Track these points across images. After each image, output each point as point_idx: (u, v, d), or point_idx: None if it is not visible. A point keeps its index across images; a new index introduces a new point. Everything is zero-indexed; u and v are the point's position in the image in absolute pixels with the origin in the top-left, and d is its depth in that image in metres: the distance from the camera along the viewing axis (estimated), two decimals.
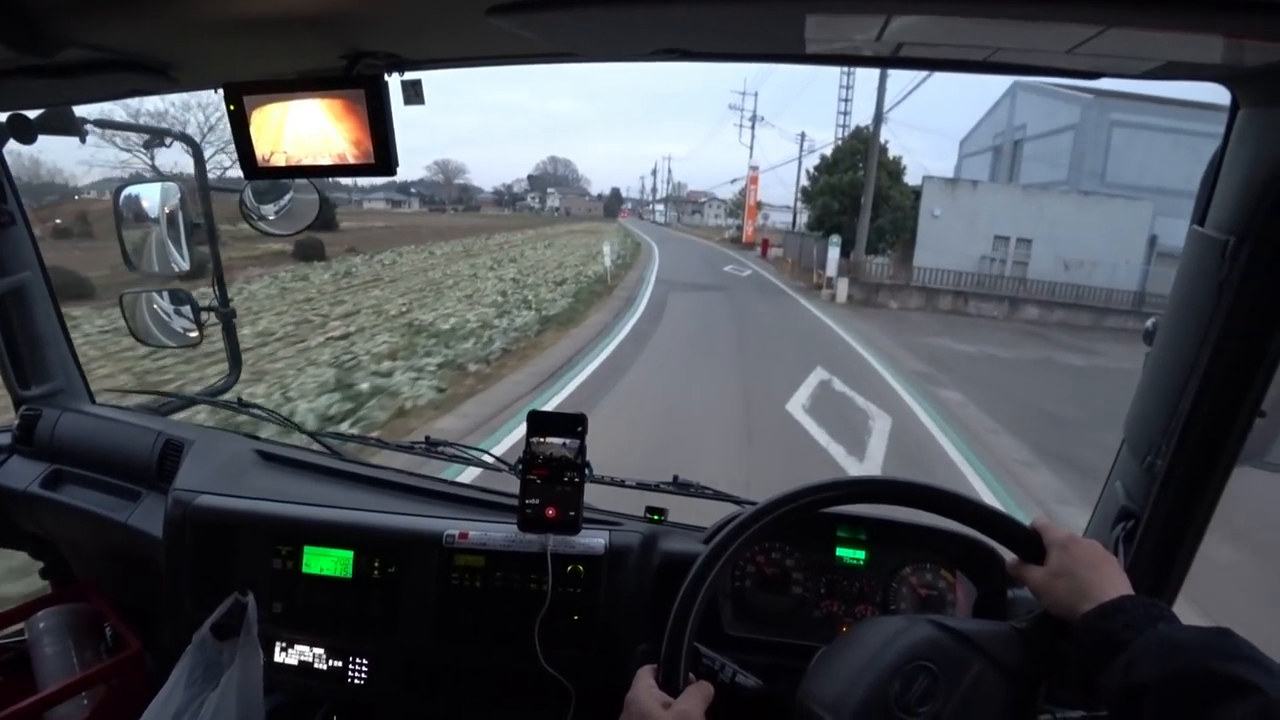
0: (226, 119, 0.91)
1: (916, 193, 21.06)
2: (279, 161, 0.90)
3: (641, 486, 1.25)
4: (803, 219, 30.18)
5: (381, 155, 0.86)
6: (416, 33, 0.85)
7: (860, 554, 1.11)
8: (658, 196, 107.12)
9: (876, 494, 0.84)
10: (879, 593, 1.09)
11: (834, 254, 17.16)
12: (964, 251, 18.55)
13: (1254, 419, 0.86)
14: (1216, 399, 0.84)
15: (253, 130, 0.89)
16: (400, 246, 24.58)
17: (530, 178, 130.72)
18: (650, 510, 1.19)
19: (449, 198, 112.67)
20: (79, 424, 1.47)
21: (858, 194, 19.60)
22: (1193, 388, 0.85)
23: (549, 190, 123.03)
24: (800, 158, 35.68)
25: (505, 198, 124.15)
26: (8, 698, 1.27)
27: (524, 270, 18.13)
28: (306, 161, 0.89)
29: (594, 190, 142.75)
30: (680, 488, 1.24)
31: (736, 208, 49.91)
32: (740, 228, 42.60)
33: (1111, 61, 0.72)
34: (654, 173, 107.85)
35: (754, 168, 39.84)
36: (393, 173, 0.88)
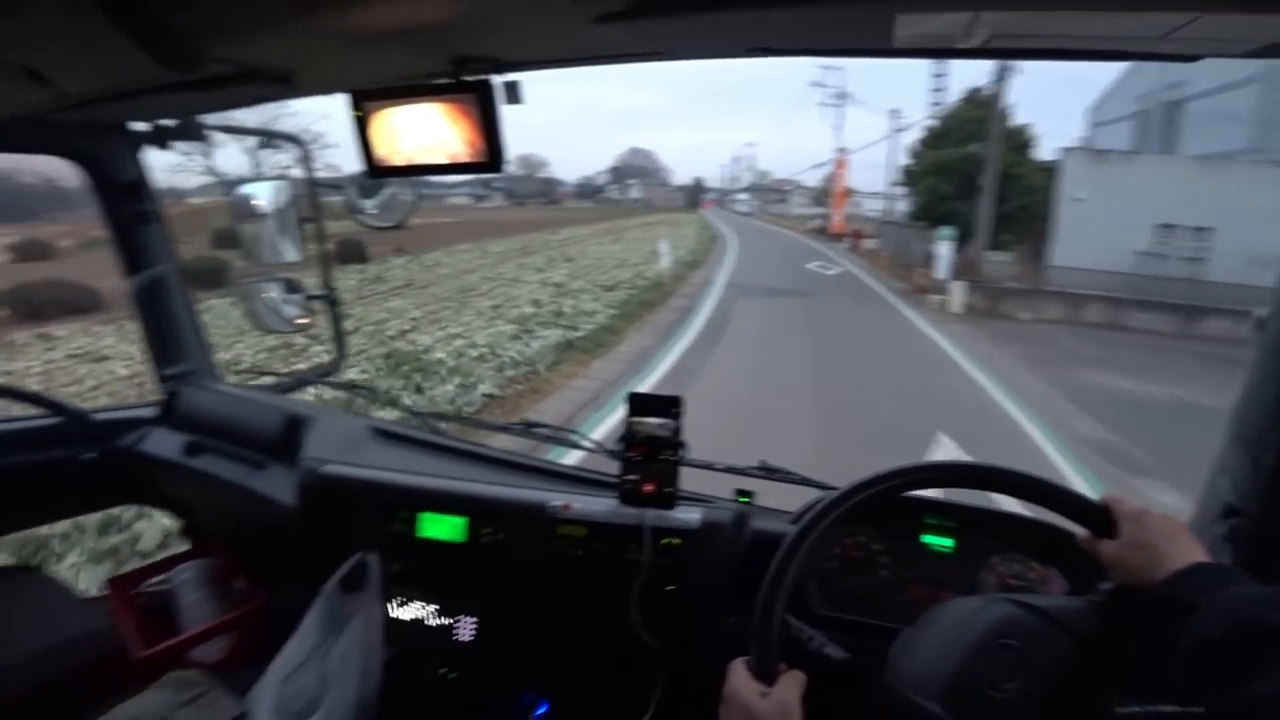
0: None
1: (1048, 170, 16.03)
2: (396, 161, 0.98)
3: (730, 470, 1.29)
4: (900, 206, 25.70)
5: (493, 153, 0.93)
6: (520, 38, 0.91)
7: (948, 541, 1.11)
8: (739, 185, 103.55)
9: (951, 479, 0.85)
10: (965, 581, 1.09)
11: (945, 250, 13.85)
12: (1115, 245, 14.07)
13: None
14: None
15: (371, 133, 0.98)
16: (457, 245, 22.26)
17: (612, 169, 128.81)
18: (739, 493, 1.23)
19: (531, 191, 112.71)
20: (212, 400, 1.64)
21: (974, 172, 15.42)
22: None
23: (630, 182, 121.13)
24: (893, 135, 29.83)
25: (587, 190, 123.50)
26: (157, 634, 1.46)
27: (575, 272, 15.86)
28: (421, 161, 0.97)
29: (675, 180, 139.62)
30: (768, 472, 1.27)
31: (823, 195, 45.30)
32: (826, 216, 37.37)
33: (1211, 44, 0.70)
34: (735, 160, 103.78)
35: (841, 150, 35.57)
36: (500, 169, 0.95)
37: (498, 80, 0.96)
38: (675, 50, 0.91)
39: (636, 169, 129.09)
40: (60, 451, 1.57)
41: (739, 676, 0.76)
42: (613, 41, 0.86)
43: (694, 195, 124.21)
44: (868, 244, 25.43)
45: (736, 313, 10.97)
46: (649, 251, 19.37)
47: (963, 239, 14.45)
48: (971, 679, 0.71)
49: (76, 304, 10.48)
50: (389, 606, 1.22)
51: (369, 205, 1.83)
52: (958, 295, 12.86)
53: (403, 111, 0.95)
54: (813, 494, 1.15)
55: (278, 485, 1.40)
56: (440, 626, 1.22)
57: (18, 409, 1.58)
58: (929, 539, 1.12)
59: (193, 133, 1.55)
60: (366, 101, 0.97)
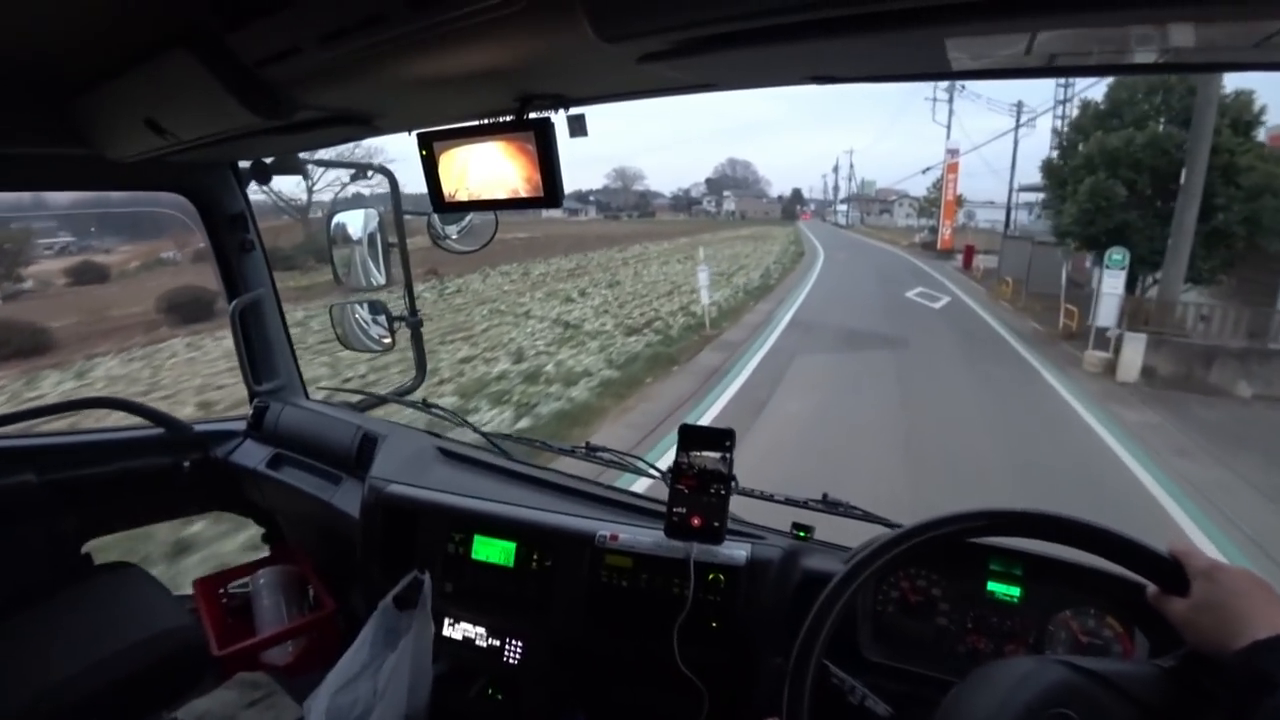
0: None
1: None
2: (462, 197, 1.03)
3: (790, 502, 1.25)
4: (1026, 217, 22.67)
5: (549, 188, 0.96)
6: (578, 76, 0.94)
7: (1015, 590, 1.03)
8: (840, 195, 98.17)
9: (1008, 526, 0.80)
10: (1033, 633, 1.01)
11: (1114, 284, 9.30)
12: None
13: None
14: None
15: (441, 170, 1.03)
16: (503, 265, 20.29)
17: (708, 181, 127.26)
18: (797, 526, 1.19)
19: (626, 204, 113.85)
20: (296, 416, 1.75)
21: (1164, 165, 10.43)
22: None
23: (725, 193, 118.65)
24: (1019, 131, 25.68)
25: (681, 203, 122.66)
26: (235, 634, 1.55)
27: (612, 300, 13.67)
28: (485, 196, 1.01)
29: (774, 191, 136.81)
30: (829, 506, 1.22)
31: (930, 205, 38.23)
32: (935, 229, 32.89)
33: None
34: (835, 169, 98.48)
35: (952, 151, 30.78)
36: (559, 204, 0.98)
37: (558, 117, 0.99)
38: (730, 81, 0.91)
39: (733, 180, 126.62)
40: (162, 459, 1.71)
41: None
42: (665, 77, 0.88)
43: (791, 207, 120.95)
44: (983, 262, 21.08)
45: (791, 377, 7.60)
46: (718, 273, 17.26)
47: (1136, 265, 10.23)
48: None
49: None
50: (443, 625, 1.25)
51: (452, 231, 1.92)
52: (1133, 354, 8.46)
53: (466, 150, 1.00)
54: (876, 530, 1.10)
55: (350, 499, 1.48)
56: (490, 648, 1.24)
57: (125, 419, 1.74)
58: (994, 586, 1.04)
59: (292, 167, 1.69)
60: (434, 141, 1.02)
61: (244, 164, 1.69)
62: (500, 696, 1.25)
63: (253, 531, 1.99)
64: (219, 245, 1.76)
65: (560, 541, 1.20)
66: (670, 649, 1.07)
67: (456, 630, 1.26)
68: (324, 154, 1.83)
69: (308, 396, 1.94)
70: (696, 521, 1.09)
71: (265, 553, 1.89)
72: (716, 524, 1.09)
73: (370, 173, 1.93)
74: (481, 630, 1.25)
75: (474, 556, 1.24)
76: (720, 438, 1.10)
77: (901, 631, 1.06)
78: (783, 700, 0.75)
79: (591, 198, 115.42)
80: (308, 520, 1.72)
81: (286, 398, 1.85)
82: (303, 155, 1.66)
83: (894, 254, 31.54)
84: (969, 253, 22.87)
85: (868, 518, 1.19)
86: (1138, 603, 0.98)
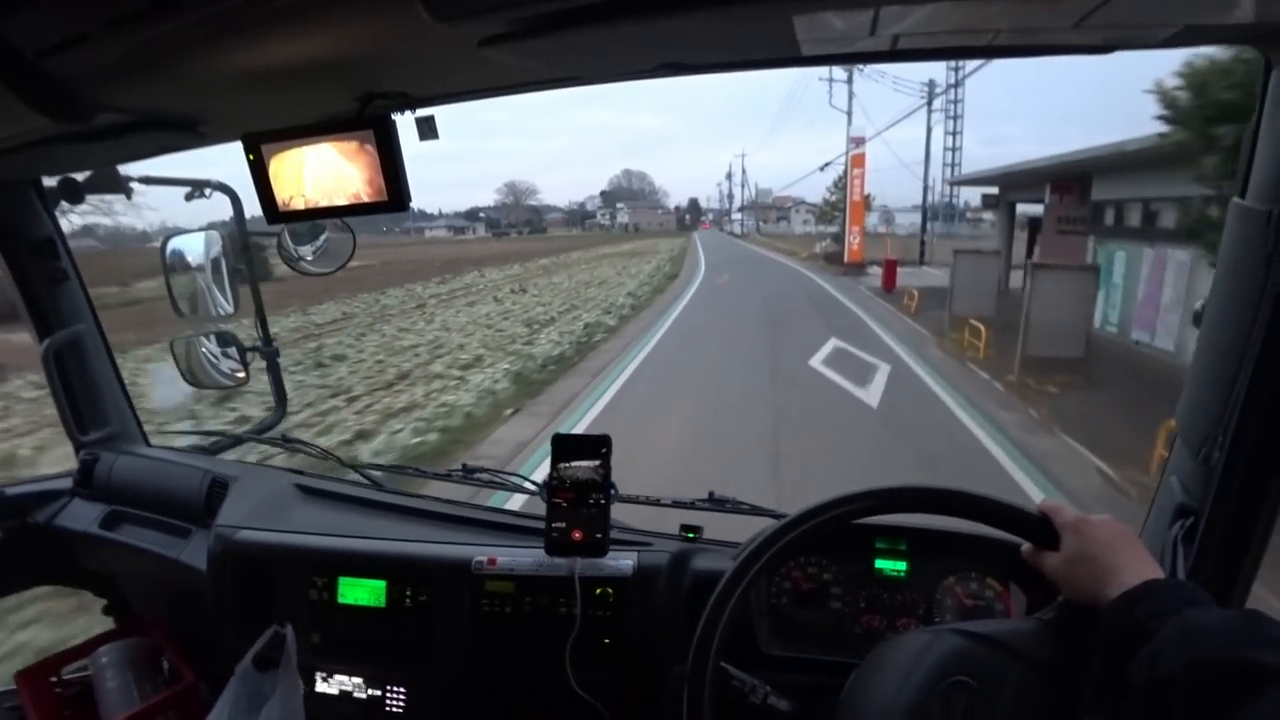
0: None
1: None
2: (298, 205, 0.93)
3: (676, 504, 1.24)
4: (966, 229, 19.45)
5: (394, 192, 0.88)
6: (421, 71, 0.87)
7: (901, 565, 1.07)
8: (735, 204, 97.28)
9: (882, 503, 0.82)
10: (922, 604, 1.06)
11: None
12: None
13: None
14: (1274, 382, 0.78)
15: (272, 176, 0.93)
16: (317, 303, 16.17)
17: (603, 194, 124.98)
18: (685, 528, 1.18)
19: (518, 220, 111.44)
20: (134, 466, 1.54)
21: None
22: (1247, 372, 0.79)
23: (618, 206, 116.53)
24: (929, 111, 24.23)
25: (576, 217, 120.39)
26: None
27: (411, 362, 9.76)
28: (324, 203, 0.92)
29: (673, 203, 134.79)
30: (715, 504, 1.22)
31: (833, 209, 32.66)
32: (840, 238, 26.69)
33: (1125, 32, 0.68)
34: (728, 176, 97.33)
35: (856, 140, 25.33)
36: (405, 208, 0.90)
37: (401, 117, 0.92)
38: (583, 73, 0.88)
39: (629, 192, 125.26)
40: None
41: None
42: (514, 68, 0.83)
43: (687, 217, 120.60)
44: (908, 280, 16.44)
45: None
46: (582, 297, 15.85)
47: None
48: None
49: None
50: (315, 680, 1.13)
51: (306, 252, 1.78)
52: None
53: (299, 153, 0.91)
54: (763, 523, 1.10)
55: (202, 554, 1.31)
56: (369, 699, 1.14)
57: None
58: (882, 564, 1.08)
59: (111, 185, 1.49)
60: (262, 144, 0.92)
61: (49, 181, 1.47)
62: None
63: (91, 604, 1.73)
64: (22, 277, 1.52)
65: (434, 573, 1.12)
66: (564, 673, 1.02)
67: (330, 684, 1.15)
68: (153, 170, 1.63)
69: (148, 443, 1.71)
70: (578, 535, 1.05)
71: (109, 626, 1.65)
72: (599, 536, 1.05)
73: (209, 190, 1.75)
74: (358, 680, 1.14)
75: (341, 601, 1.14)
76: (596, 445, 1.07)
77: (798, 621, 1.07)
78: (683, 709, 0.73)
79: (482, 214, 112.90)
80: (155, 583, 1.51)
81: (121, 446, 1.63)
82: (124, 171, 1.47)
83: (792, 270, 25.86)
84: (890, 269, 17.50)
85: (755, 511, 1.19)
86: (1011, 561, 1.04)
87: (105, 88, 0.84)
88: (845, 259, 24.78)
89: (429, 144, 0.95)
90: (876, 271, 20.76)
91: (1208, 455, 0.86)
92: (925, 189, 25.33)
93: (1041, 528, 0.76)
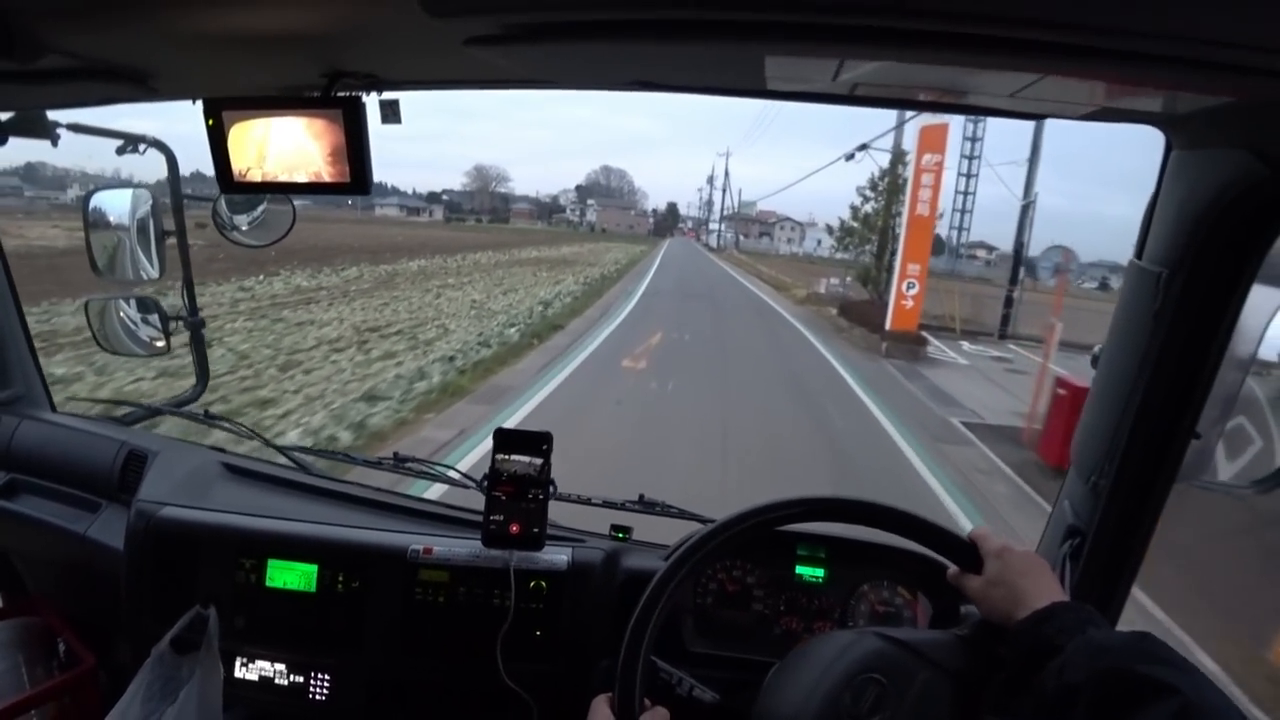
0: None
1: None
2: (255, 177, 0.91)
3: (608, 505, 1.27)
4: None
5: (357, 174, 0.88)
6: (396, 56, 0.87)
7: (819, 572, 1.13)
8: (714, 211, 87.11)
9: (824, 512, 0.87)
10: (837, 609, 1.12)
11: None
12: None
13: (1189, 440, 0.91)
14: (1155, 422, 0.89)
15: (230, 145, 0.90)
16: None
17: (578, 188, 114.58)
18: (615, 528, 1.21)
19: (481, 207, 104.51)
20: (39, 432, 1.45)
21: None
22: (1132, 411, 0.90)
23: (588, 202, 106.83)
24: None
25: (542, 210, 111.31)
26: None
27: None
28: (283, 178, 0.90)
29: (652, 205, 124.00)
30: (646, 506, 1.26)
31: (865, 231, 16.91)
32: (869, 275, 16.63)
33: (1051, 105, 0.77)
34: (709, 180, 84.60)
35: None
36: (367, 191, 0.89)
37: (370, 98, 0.92)
38: (557, 79, 0.90)
39: (605, 189, 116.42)
40: None
41: (600, 715, 0.75)
42: (492, 66, 0.84)
43: (665, 222, 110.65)
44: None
45: None
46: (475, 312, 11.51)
47: None
48: (836, 713, 0.72)
49: None
50: (235, 666, 1.10)
51: (242, 222, 1.71)
52: None
53: (265, 124, 0.89)
54: (692, 526, 1.14)
55: (113, 530, 1.25)
56: (291, 685, 1.11)
57: None
58: (802, 570, 1.14)
59: (39, 129, 1.39)
60: (224, 110, 0.90)
61: None
62: None
63: None
64: None
65: (369, 559, 1.11)
66: (494, 664, 1.03)
67: (251, 670, 1.11)
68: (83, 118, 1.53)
69: (54, 409, 1.61)
70: (515, 529, 1.06)
71: None
72: (536, 530, 1.07)
73: (143, 146, 1.65)
74: (281, 667, 1.11)
75: (269, 584, 1.11)
76: (537, 441, 1.09)
77: (722, 621, 1.12)
78: (614, 703, 0.76)
79: (445, 197, 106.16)
80: (54, 560, 1.42)
81: (24, 410, 1.52)
82: (53, 116, 1.38)
83: (784, 328, 15.07)
84: (1064, 415, 5.52)
85: (683, 515, 1.24)
86: (922, 572, 1.12)
87: (56, 28, 0.80)
88: (890, 323, 12.80)
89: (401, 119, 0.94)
90: (944, 357, 12.31)
91: (1095, 483, 0.96)
92: (1025, 214, 14.82)
93: (969, 552, 0.82)
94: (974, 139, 22.01)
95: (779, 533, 1.09)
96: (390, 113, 0.96)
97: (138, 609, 1.14)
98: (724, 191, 76.48)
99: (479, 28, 0.66)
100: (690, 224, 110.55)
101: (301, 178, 0.90)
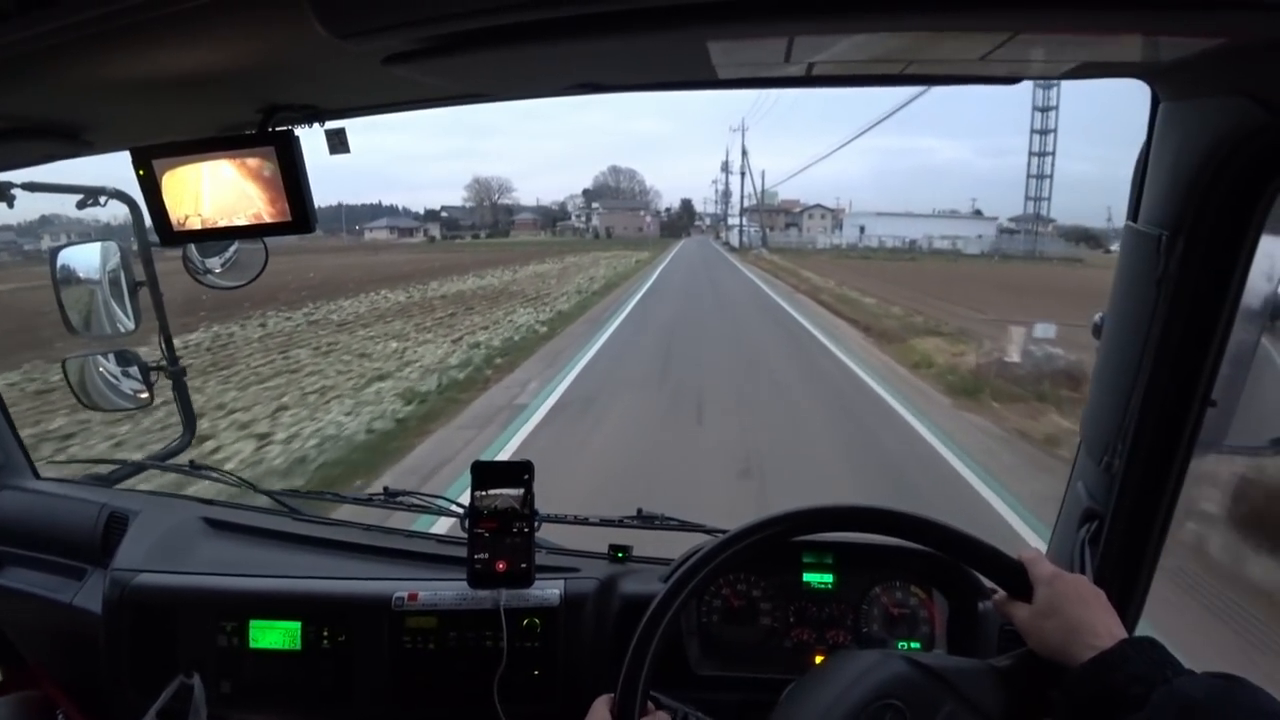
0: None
1: None
2: (194, 224, 0.87)
3: (604, 523, 1.22)
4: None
5: (298, 212, 0.84)
6: (326, 84, 0.83)
7: (828, 578, 1.09)
8: (735, 202, 74.15)
9: (850, 522, 0.83)
10: (850, 615, 1.07)
11: None
12: None
13: (1205, 409, 0.85)
14: (1166, 393, 0.83)
15: (165, 194, 0.86)
16: None
17: (585, 192, 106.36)
18: (614, 548, 1.17)
19: (482, 222, 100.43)
20: (19, 501, 1.41)
21: None
22: (1142, 384, 0.84)
23: (593, 206, 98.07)
24: None
25: (544, 219, 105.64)
26: None
27: None
28: (222, 223, 0.87)
29: (666, 204, 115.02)
30: (644, 521, 1.21)
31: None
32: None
33: (1027, 65, 0.71)
34: (725, 167, 72.48)
35: None
36: (311, 229, 0.86)
37: (311, 131, 0.88)
38: (492, 91, 0.86)
39: (614, 191, 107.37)
40: None
41: (599, 716, 0.72)
42: (424, 84, 0.80)
43: (678, 222, 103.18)
44: None
45: None
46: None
47: None
48: None
49: None
50: None
51: (214, 265, 1.68)
52: None
53: (194, 169, 0.85)
54: (695, 538, 1.09)
55: (99, 597, 1.21)
56: None
57: None
58: (809, 578, 1.09)
59: None
60: (153, 159, 0.86)
61: None
62: None
63: None
64: None
65: (353, 611, 1.07)
66: (493, 711, 0.99)
67: None
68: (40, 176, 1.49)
69: (36, 475, 1.57)
70: (502, 566, 1.02)
71: None
72: (524, 565, 1.03)
73: (104, 198, 1.62)
74: None
75: (253, 645, 1.07)
76: (518, 471, 1.04)
77: (728, 639, 1.08)
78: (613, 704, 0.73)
79: (444, 214, 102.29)
80: (45, 631, 1.39)
81: (4, 480, 1.49)
82: (5, 177, 1.34)
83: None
84: None
85: (684, 527, 1.19)
86: (934, 570, 1.07)
87: None
88: None
89: (412, 143, 0.91)
90: None
91: (1109, 463, 0.91)
92: None
93: (1018, 576, 0.77)
94: (1044, 109, 21.20)
95: (784, 543, 1.05)
96: (337, 142, 0.93)
97: (119, 679, 1.10)
98: (743, 175, 59.84)
99: (393, 45, 0.62)
100: (708, 221, 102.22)
101: (241, 220, 0.86)
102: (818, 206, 73.41)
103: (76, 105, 0.86)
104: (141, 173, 0.86)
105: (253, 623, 1.07)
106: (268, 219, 0.84)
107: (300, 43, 0.67)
